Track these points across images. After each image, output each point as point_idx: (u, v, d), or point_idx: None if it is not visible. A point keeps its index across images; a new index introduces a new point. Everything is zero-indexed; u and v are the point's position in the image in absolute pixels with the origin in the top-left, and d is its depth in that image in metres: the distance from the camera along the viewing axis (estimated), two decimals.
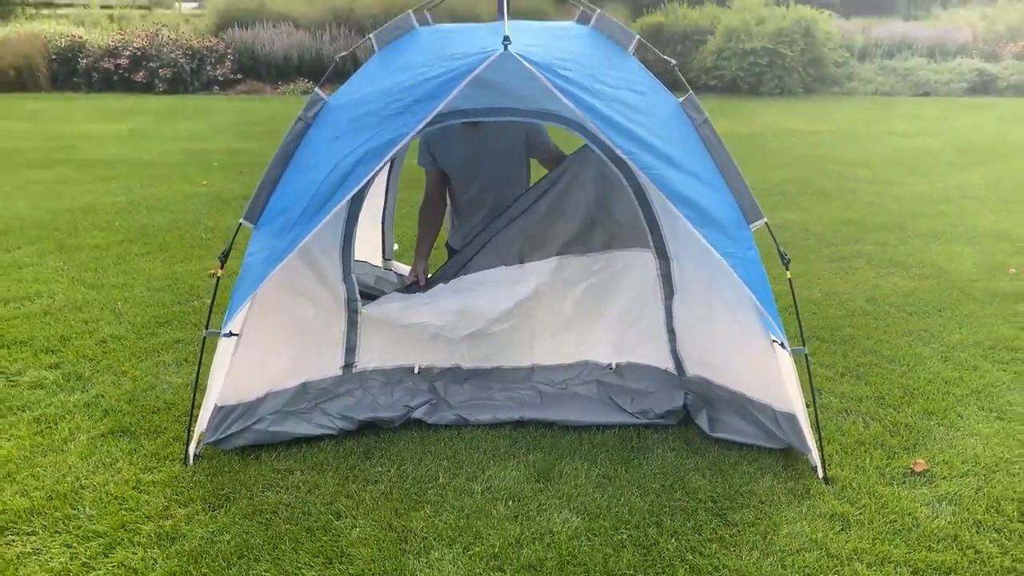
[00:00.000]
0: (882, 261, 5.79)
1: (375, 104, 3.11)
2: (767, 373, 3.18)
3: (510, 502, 2.94)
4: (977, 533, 2.77)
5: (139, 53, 17.45)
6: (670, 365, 3.54)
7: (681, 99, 3.26)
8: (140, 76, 17.26)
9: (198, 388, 3.26)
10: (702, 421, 3.39)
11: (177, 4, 32.87)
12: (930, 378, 3.90)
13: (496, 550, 2.68)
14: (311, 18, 19.32)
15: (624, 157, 3.04)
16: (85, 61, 17.36)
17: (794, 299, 3.19)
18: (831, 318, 4.68)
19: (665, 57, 3.38)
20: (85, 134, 11.46)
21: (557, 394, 3.55)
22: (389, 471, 3.13)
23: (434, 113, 3.01)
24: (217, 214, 7.06)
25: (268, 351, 3.30)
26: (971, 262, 5.73)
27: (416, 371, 3.53)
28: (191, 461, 3.18)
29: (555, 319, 3.60)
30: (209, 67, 17.88)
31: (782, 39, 16.99)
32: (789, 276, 3.15)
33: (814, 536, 2.75)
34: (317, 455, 3.23)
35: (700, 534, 2.76)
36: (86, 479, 3.07)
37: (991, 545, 2.71)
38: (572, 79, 3.04)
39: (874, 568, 2.60)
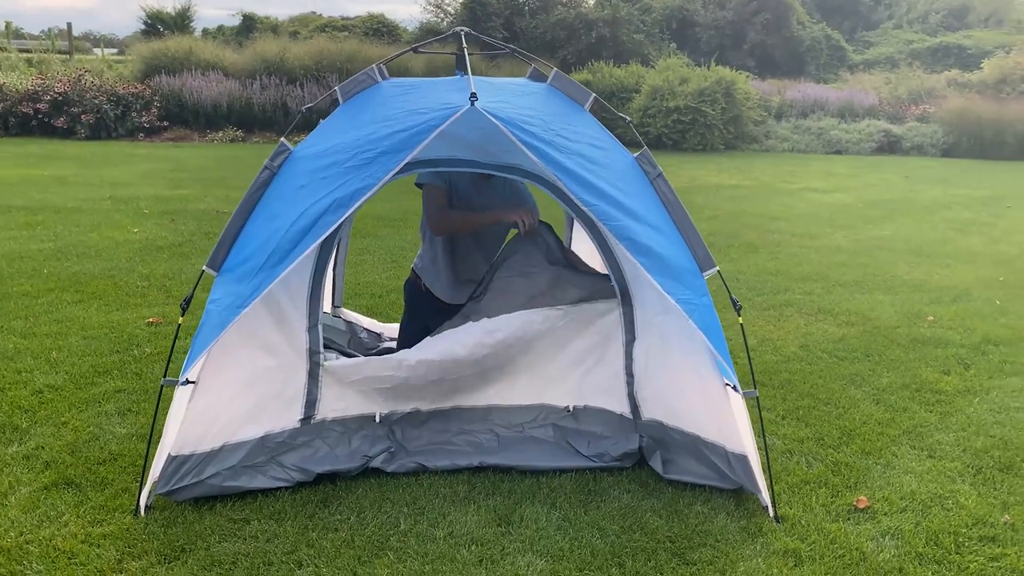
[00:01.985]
0: (810, 309, 6.06)
1: (342, 155, 3.17)
2: (720, 415, 3.30)
3: (473, 547, 2.96)
4: (920, 566, 2.91)
5: (60, 98, 17.04)
6: (626, 409, 3.62)
7: (636, 154, 3.42)
8: (61, 121, 16.84)
9: (151, 438, 3.19)
10: (656, 463, 3.48)
11: (98, 50, 32.31)
12: (864, 419, 4.10)
13: None
14: (241, 67, 19.25)
15: (585, 209, 3.16)
16: (2, 105, 16.85)
17: (745, 344, 3.34)
18: (768, 363, 4.87)
19: (620, 115, 3.55)
20: (5, 179, 11.09)
21: (514, 438, 3.59)
22: (349, 519, 3.11)
23: (402, 165, 3.09)
24: (151, 262, 6.92)
25: (225, 401, 3.25)
26: (892, 310, 6.06)
27: (377, 419, 3.52)
28: (142, 512, 3.10)
29: (515, 361, 3.65)
30: (134, 113, 17.58)
31: (704, 98, 17.72)
32: (741, 322, 3.30)
33: (769, 572, 2.85)
34: (274, 504, 3.19)
35: (661, 573, 2.83)
36: (31, 533, 2.96)
37: (929, 573, 2.86)
38: (536, 134, 3.16)
39: None
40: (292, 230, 3.06)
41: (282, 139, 3.31)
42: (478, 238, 4.01)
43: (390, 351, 4.60)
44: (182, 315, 3.20)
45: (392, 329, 4.90)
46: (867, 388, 4.53)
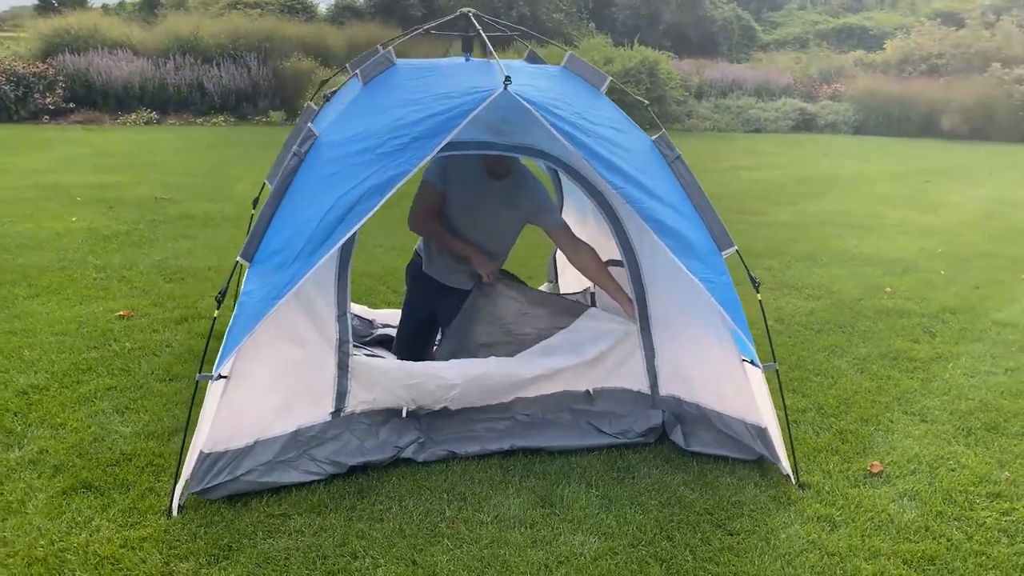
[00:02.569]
0: (775, 284, 6.29)
1: (373, 140, 3.11)
2: (739, 390, 3.42)
3: (524, 529, 2.98)
4: (943, 523, 3.10)
5: None
6: (644, 386, 3.70)
7: (654, 137, 3.47)
8: None
9: (186, 435, 3.09)
10: (677, 437, 3.57)
11: None
12: (855, 389, 4.30)
13: None
14: (151, 46, 18.42)
15: (614, 191, 3.21)
16: None
17: (764, 319, 3.45)
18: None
19: (638, 97, 3.59)
20: None
21: (537, 422, 3.62)
22: (392, 508, 3.09)
23: (437, 150, 3.06)
24: (102, 252, 6.61)
25: (257, 395, 3.17)
26: (851, 283, 6.34)
27: (404, 414, 3.49)
28: (175, 512, 3.00)
29: (538, 357, 3.70)
30: (37, 95, 16.61)
31: (629, 78, 17.96)
32: (760, 298, 3.41)
33: (809, 538, 2.98)
34: (310, 497, 3.13)
35: (710, 545, 2.92)
36: (63, 541, 2.83)
37: (958, 533, 3.04)
38: (564, 117, 3.18)
39: (871, 562, 2.85)
40: (327, 219, 3.00)
41: (308, 124, 3.21)
42: (470, 232, 4.02)
43: (385, 338, 4.56)
44: (218, 308, 3.09)
45: (383, 315, 4.85)
46: (848, 358, 4.74)
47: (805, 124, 19.79)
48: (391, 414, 3.49)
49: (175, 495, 3.02)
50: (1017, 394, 4.27)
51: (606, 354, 3.68)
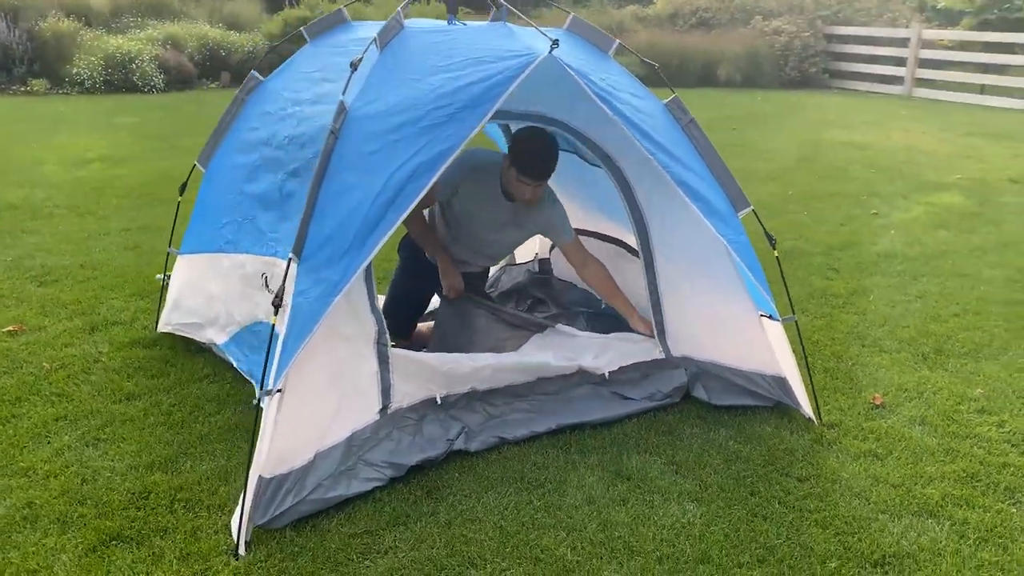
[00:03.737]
0: None
1: (412, 112, 2.87)
2: (757, 344, 3.55)
3: (619, 506, 2.94)
4: (961, 442, 3.43)
5: None
6: (658, 353, 3.74)
7: (666, 101, 3.46)
8: None
9: (250, 464, 2.70)
10: (700, 393, 3.65)
11: None
12: (811, 329, 4.60)
13: (678, 551, 2.70)
14: None
15: (651, 157, 3.18)
16: None
17: (781, 273, 3.59)
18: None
19: (648, 61, 3.56)
20: None
21: (564, 400, 3.54)
22: (475, 506, 2.91)
23: (485, 120, 2.86)
24: None
25: (312, 403, 2.84)
26: None
27: (439, 401, 3.28)
28: (244, 551, 2.63)
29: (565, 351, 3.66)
30: None
31: None
32: (776, 255, 3.55)
33: (868, 473, 3.19)
34: (380, 508, 2.88)
35: (791, 494, 3.04)
36: None
37: (978, 449, 3.39)
38: (599, 84, 3.11)
39: (930, 487, 3.11)
40: (377, 202, 2.75)
41: (340, 97, 2.87)
42: (464, 238, 3.96)
43: None
44: (275, 314, 2.71)
45: None
46: (786, 300, 5.06)
47: None
48: (427, 406, 3.28)
49: (241, 531, 2.64)
50: (938, 318, 4.79)
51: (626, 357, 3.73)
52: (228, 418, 3.48)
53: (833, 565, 2.66)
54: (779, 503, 2.98)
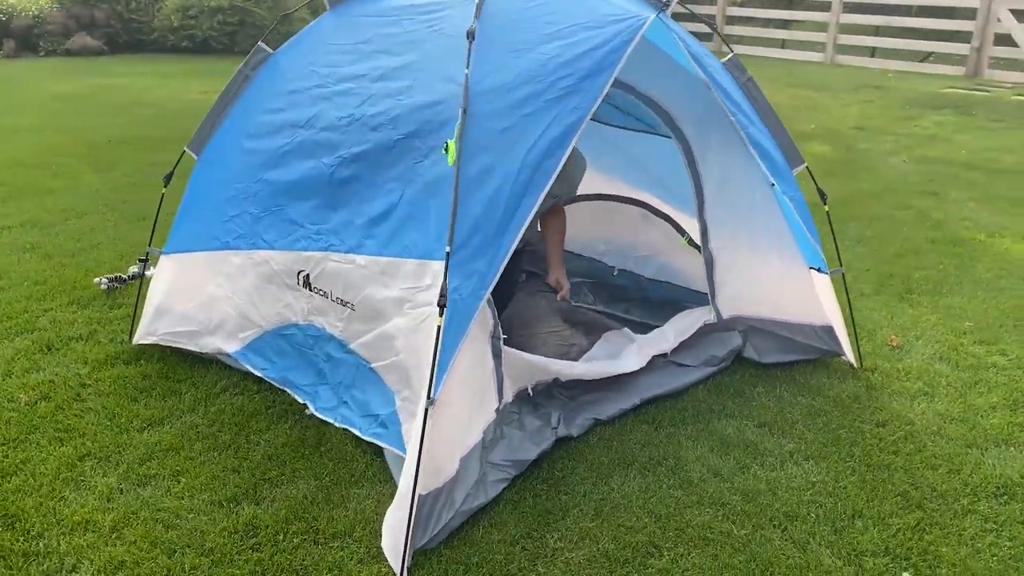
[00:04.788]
0: None
1: (535, 85, 2.71)
2: (806, 296, 3.67)
3: (748, 475, 2.94)
4: (984, 372, 3.74)
5: None
6: (711, 318, 3.77)
7: (724, 60, 3.44)
8: None
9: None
10: (751, 353, 3.73)
11: None
12: None
13: (828, 510, 2.74)
14: None
15: (733, 120, 3.17)
16: None
17: (831, 227, 3.70)
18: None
19: (704, 19, 3.50)
20: None
21: (633, 375, 3.48)
22: (609, 494, 2.81)
23: (606, 88, 2.72)
24: None
25: (455, 408, 2.59)
26: None
27: (531, 393, 3.13)
28: None
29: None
30: None
31: None
32: (827, 210, 3.66)
33: (926, 413, 3.39)
34: (510, 512, 2.70)
35: (884, 439, 3.18)
36: None
37: (1001, 376, 3.70)
38: (694, 47, 3.04)
39: (992, 416, 3.36)
40: (517, 183, 2.59)
41: (466, 71, 2.59)
42: None
43: None
44: (441, 314, 2.41)
45: None
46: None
47: None
48: (522, 399, 3.12)
49: (405, 556, 2.38)
50: (887, 260, 5.17)
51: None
52: (286, 433, 3.11)
53: (965, 502, 2.82)
54: (879, 450, 3.11)
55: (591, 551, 2.53)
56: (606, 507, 2.74)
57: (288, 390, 3.31)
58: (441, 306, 2.40)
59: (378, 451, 2.92)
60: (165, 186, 3.66)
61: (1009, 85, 12.67)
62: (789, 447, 3.11)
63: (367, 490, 2.78)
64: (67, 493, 2.74)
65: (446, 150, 2.54)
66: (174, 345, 3.61)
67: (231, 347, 3.47)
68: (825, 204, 3.63)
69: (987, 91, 12.14)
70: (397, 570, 2.37)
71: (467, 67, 2.63)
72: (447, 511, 2.51)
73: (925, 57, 14.65)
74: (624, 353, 3.53)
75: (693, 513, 2.72)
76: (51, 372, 3.53)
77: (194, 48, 16.26)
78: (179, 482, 2.81)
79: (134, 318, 3.78)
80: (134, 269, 4.48)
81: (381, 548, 2.46)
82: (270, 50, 3.43)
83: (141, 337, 3.69)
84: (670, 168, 3.83)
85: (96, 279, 4.38)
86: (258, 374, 3.39)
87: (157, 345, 3.64)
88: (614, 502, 2.76)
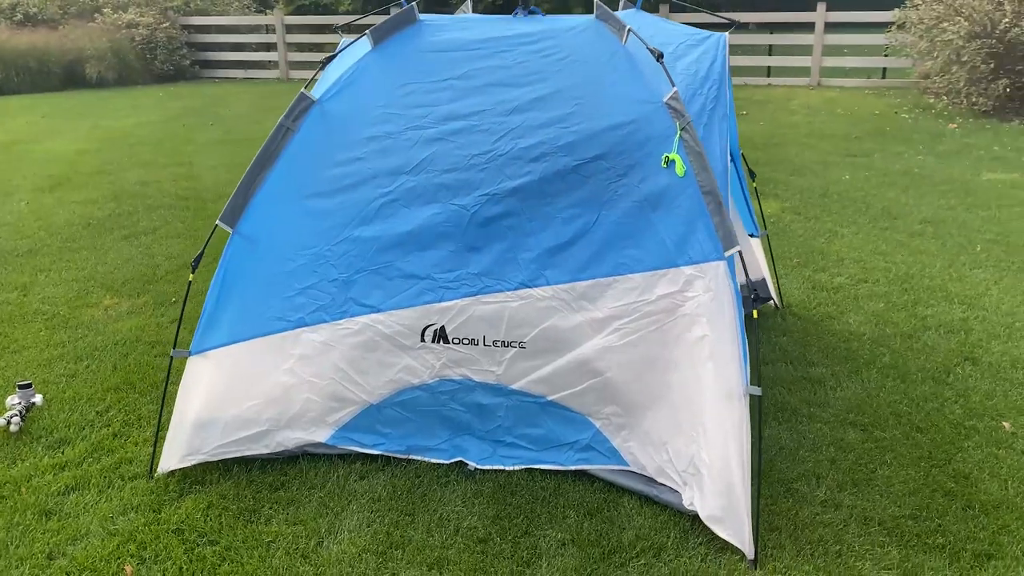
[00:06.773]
0: None
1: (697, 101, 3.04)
2: (749, 256, 4.43)
3: (803, 437, 3.57)
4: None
5: None
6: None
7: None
8: None
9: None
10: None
11: None
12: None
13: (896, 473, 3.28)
14: None
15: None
16: None
17: (758, 199, 4.46)
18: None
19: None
20: None
21: None
22: None
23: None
24: None
25: None
26: None
27: None
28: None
29: None
30: None
31: None
32: (755, 186, 4.42)
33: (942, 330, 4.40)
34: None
35: (886, 387, 3.93)
36: None
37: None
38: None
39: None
40: (722, 188, 2.90)
41: (673, 87, 2.74)
42: None
43: None
44: (192, 273, 2.74)
45: None
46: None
47: None
48: None
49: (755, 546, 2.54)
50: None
51: None
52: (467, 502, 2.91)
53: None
54: (894, 414, 3.70)
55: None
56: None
57: (415, 457, 3.06)
58: (754, 307, 2.63)
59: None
60: (192, 272, 2.99)
61: None
62: (817, 413, 3.70)
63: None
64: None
65: (665, 163, 2.70)
66: (227, 457, 3.02)
67: (321, 435, 3.07)
68: (753, 181, 4.41)
69: None
70: (750, 555, 2.54)
71: (672, 84, 2.79)
72: None
73: None
74: None
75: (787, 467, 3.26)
76: (110, 526, 2.72)
77: None
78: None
79: (155, 445, 3.01)
80: (14, 399, 3.50)
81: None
82: (314, 97, 3.03)
83: (178, 462, 3.02)
84: None
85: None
86: (368, 451, 3.06)
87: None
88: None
